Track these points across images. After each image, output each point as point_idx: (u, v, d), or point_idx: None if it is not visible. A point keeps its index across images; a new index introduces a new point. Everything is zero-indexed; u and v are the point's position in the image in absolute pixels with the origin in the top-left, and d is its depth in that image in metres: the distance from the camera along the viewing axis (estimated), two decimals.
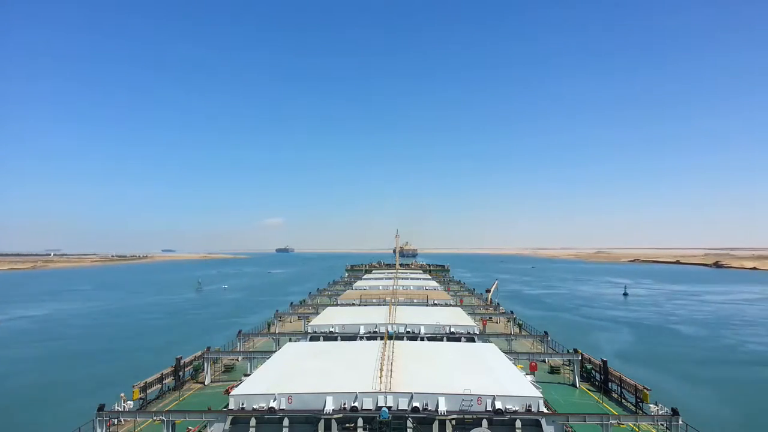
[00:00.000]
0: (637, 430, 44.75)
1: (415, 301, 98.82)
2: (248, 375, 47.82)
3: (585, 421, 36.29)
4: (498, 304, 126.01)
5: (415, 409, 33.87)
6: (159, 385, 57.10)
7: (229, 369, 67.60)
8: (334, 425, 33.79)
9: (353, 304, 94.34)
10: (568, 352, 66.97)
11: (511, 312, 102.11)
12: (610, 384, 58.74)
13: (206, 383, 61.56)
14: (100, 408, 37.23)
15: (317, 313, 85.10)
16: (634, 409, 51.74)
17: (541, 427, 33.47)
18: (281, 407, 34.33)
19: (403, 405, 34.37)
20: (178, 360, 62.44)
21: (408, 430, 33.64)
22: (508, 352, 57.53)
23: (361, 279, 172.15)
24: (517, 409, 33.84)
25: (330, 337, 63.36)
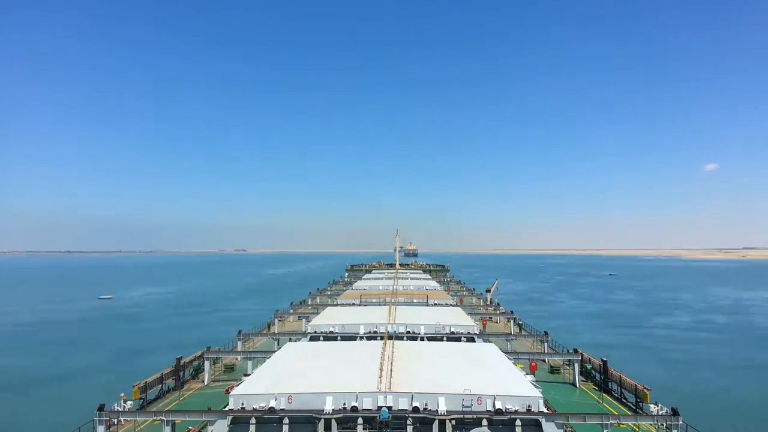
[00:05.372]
0: (637, 430, 44.74)
1: (415, 301, 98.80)
2: (248, 375, 47.85)
3: (585, 421, 36.29)
4: (498, 304, 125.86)
5: (415, 409, 33.87)
6: (159, 385, 57.07)
7: (229, 369, 67.59)
8: (334, 425, 33.78)
9: (353, 304, 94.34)
10: (568, 352, 66.97)
11: (512, 312, 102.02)
12: (610, 384, 58.74)
13: (206, 383, 61.54)
14: (100, 408, 37.09)
15: (317, 313, 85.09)
16: (634, 409, 51.73)
17: (541, 427, 33.47)
18: (281, 407, 34.35)
19: (404, 405, 34.39)
20: (178, 360, 62.43)
21: (408, 429, 33.66)
22: (508, 352, 57.56)
23: (361, 279, 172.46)
24: (517, 408, 33.87)
25: (330, 337, 63.36)
